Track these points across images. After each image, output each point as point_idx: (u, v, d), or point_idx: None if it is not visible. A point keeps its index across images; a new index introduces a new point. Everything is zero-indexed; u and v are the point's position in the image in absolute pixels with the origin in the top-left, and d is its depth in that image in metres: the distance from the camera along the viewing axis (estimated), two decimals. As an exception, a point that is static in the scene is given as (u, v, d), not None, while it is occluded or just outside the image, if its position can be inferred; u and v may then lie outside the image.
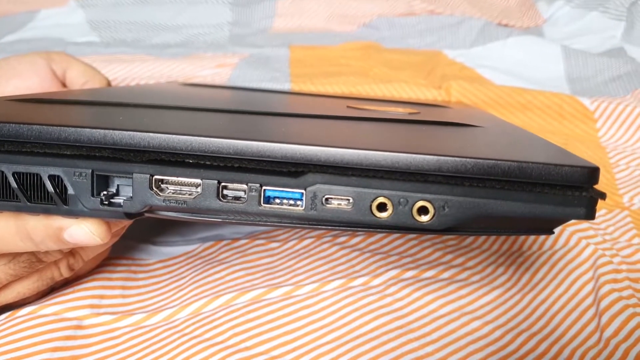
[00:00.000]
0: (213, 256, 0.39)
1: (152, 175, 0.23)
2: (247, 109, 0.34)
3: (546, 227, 0.24)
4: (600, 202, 0.23)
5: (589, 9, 0.96)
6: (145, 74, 0.71)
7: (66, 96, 0.33)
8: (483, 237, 0.43)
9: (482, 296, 0.37)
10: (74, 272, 0.34)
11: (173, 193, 0.23)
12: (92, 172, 0.23)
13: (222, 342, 0.31)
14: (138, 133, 0.22)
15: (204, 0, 0.95)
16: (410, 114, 0.39)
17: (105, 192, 0.23)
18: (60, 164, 0.23)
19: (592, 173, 0.22)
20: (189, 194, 0.23)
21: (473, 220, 0.22)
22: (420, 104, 0.50)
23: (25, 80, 0.43)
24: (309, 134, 0.27)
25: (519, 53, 0.84)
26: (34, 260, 0.29)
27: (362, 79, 0.71)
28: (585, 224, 0.44)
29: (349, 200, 0.22)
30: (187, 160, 0.22)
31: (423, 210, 0.22)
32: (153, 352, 0.31)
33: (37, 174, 0.23)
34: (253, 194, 0.22)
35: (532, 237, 0.42)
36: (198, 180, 0.23)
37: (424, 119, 0.36)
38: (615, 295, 0.36)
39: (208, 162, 0.22)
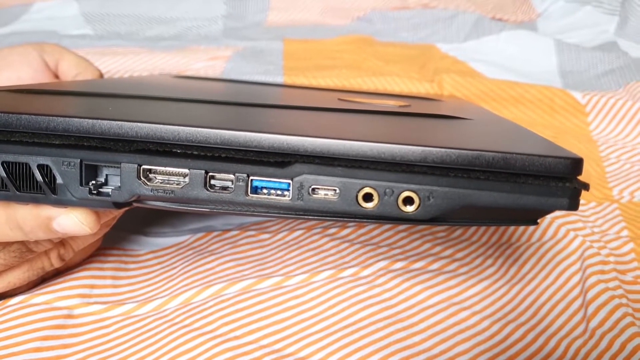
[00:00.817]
0: (204, 247, 0.40)
1: (140, 165, 0.23)
2: (237, 100, 0.34)
3: (530, 217, 0.24)
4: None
5: (582, 3, 0.96)
6: (138, 67, 0.71)
7: (57, 87, 0.33)
8: (472, 229, 0.43)
9: (470, 287, 0.37)
10: (65, 262, 0.34)
11: (161, 183, 0.23)
12: (81, 161, 0.23)
13: (211, 331, 0.32)
14: (126, 123, 0.22)
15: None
16: (400, 106, 0.39)
17: (93, 182, 0.23)
18: (49, 153, 0.23)
19: (576, 164, 0.22)
20: (177, 184, 0.23)
21: (458, 210, 0.23)
22: (411, 97, 0.51)
23: (17, 71, 0.43)
24: (296, 124, 0.27)
25: (512, 47, 0.84)
26: (24, 250, 0.29)
27: (355, 72, 0.72)
28: (574, 216, 0.44)
29: (335, 190, 0.23)
30: (174, 150, 0.22)
31: (408, 201, 0.22)
32: (143, 341, 0.31)
33: (26, 164, 0.23)
34: (240, 184, 0.23)
35: (520, 229, 0.43)
36: (185, 170, 0.23)
37: (413, 112, 0.37)
38: (602, 286, 0.36)
39: (195, 152, 0.22)
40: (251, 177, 0.23)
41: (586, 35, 0.89)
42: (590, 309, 0.35)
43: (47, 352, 0.30)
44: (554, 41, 0.83)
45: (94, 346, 0.31)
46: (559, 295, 0.37)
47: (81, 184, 0.23)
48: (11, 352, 0.30)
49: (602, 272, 0.38)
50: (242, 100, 0.34)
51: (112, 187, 0.23)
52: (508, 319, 0.34)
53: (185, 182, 0.23)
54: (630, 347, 0.32)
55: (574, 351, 0.32)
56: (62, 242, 0.33)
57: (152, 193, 0.23)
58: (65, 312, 0.33)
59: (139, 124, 0.22)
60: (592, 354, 0.32)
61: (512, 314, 0.35)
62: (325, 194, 0.23)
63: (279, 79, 0.69)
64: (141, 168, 0.23)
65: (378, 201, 0.22)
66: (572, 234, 0.41)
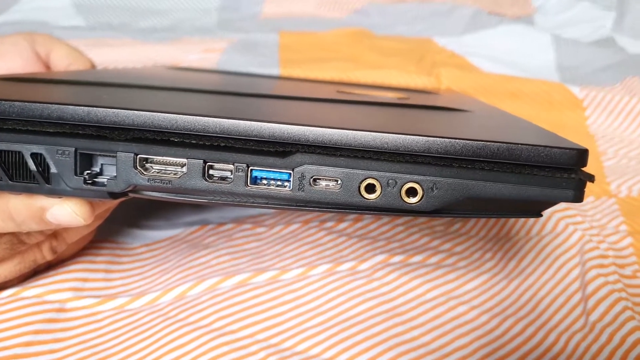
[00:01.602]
0: (198, 240, 0.39)
1: (136, 154, 0.22)
2: (236, 90, 0.33)
3: (535, 209, 0.24)
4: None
5: (579, -2, 0.96)
6: (131, 58, 0.70)
7: (50, 76, 0.32)
8: (471, 223, 0.43)
9: (469, 281, 0.37)
10: (57, 255, 0.33)
11: (158, 172, 0.22)
12: (76, 150, 0.22)
13: (206, 325, 0.31)
14: (122, 111, 0.22)
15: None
16: (399, 98, 0.39)
17: (89, 171, 0.23)
18: (43, 142, 0.22)
19: (581, 155, 0.22)
20: (174, 174, 0.22)
21: (462, 202, 0.22)
22: (409, 90, 0.50)
23: (8, 61, 0.42)
24: (297, 114, 0.27)
25: (509, 41, 0.84)
26: (16, 241, 0.29)
27: (351, 65, 0.71)
28: (573, 211, 0.44)
29: (337, 181, 0.22)
30: (172, 139, 0.22)
31: (411, 192, 0.22)
32: (136, 335, 0.31)
33: (19, 152, 0.22)
34: (240, 174, 0.22)
35: (519, 222, 0.42)
36: (183, 160, 0.22)
37: (413, 103, 0.36)
38: (601, 280, 0.36)
39: (194, 141, 0.22)
40: (251, 167, 0.22)
41: (583, 30, 0.89)
42: (590, 303, 0.34)
43: (38, 346, 0.29)
44: (551, 36, 0.83)
45: (86, 340, 0.30)
46: (558, 289, 0.36)
47: (76, 174, 0.23)
48: (1, 346, 0.29)
49: (602, 265, 0.37)
50: (240, 91, 0.34)
51: (108, 177, 0.23)
52: (507, 313, 0.34)
53: (182, 172, 0.22)
54: (630, 340, 0.32)
55: (574, 345, 0.32)
56: (55, 234, 0.32)
57: (148, 183, 0.22)
58: (57, 305, 0.32)
59: (136, 111, 0.22)
60: (592, 347, 0.32)
61: (511, 308, 0.35)
62: (327, 185, 0.22)
63: (275, 72, 0.68)
64: (138, 157, 0.22)
65: (381, 192, 0.22)
66: (571, 227, 0.41)
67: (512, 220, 0.43)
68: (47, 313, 0.31)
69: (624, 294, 0.35)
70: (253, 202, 0.23)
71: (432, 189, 0.22)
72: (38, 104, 0.22)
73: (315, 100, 0.33)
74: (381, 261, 0.37)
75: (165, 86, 0.32)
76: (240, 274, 0.35)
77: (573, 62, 0.78)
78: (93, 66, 0.47)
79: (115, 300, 0.33)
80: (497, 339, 0.32)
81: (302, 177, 0.22)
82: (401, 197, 0.22)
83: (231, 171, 0.22)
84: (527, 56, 0.80)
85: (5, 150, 0.22)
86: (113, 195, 0.23)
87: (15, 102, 0.22)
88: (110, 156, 0.23)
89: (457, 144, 0.21)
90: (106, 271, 0.36)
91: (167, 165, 0.22)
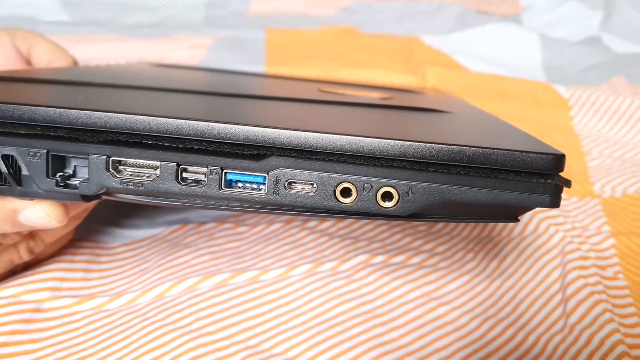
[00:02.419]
0: (179, 240, 0.39)
1: (109, 157, 0.22)
2: (215, 90, 0.33)
3: (511, 214, 0.24)
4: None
5: (567, -3, 0.96)
6: (117, 54, 0.69)
7: (26, 74, 0.32)
8: (453, 223, 0.43)
9: (450, 282, 0.37)
10: (35, 255, 0.33)
11: (131, 175, 0.22)
12: (48, 152, 0.22)
13: (184, 326, 0.31)
14: (95, 112, 0.21)
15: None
16: (382, 99, 0.39)
17: (61, 173, 0.22)
18: (14, 143, 0.22)
19: (558, 160, 0.22)
20: (147, 177, 0.22)
21: (437, 206, 0.22)
22: (394, 90, 0.50)
23: (-13, 58, 0.42)
24: (273, 116, 0.27)
25: (496, 40, 0.84)
26: (-9, 242, 0.29)
27: (338, 64, 0.71)
28: (555, 211, 0.44)
29: (312, 185, 0.22)
30: (145, 141, 0.22)
31: (387, 196, 0.22)
32: (114, 335, 0.30)
33: None
34: (213, 177, 0.22)
35: (501, 223, 0.42)
36: (156, 163, 0.22)
37: (394, 104, 0.36)
38: (581, 282, 0.36)
39: (167, 144, 0.21)
40: (225, 170, 0.22)
41: (571, 29, 0.89)
42: (570, 305, 0.35)
43: (13, 347, 0.29)
44: (539, 35, 0.83)
45: (63, 341, 0.30)
46: (539, 291, 0.36)
47: (47, 176, 0.22)
48: (-25, 347, 0.29)
49: (583, 267, 0.38)
50: (219, 90, 0.33)
51: (80, 179, 0.23)
52: (487, 315, 0.34)
53: (156, 174, 0.22)
54: (608, 343, 0.32)
55: (553, 347, 0.32)
56: (32, 234, 0.32)
57: (121, 186, 0.22)
58: (33, 305, 0.32)
59: (108, 113, 0.21)
60: (570, 350, 0.32)
61: (492, 310, 0.35)
62: (302, 189, 0.22)
63: (261, 69, 0.68)
64: (110, 160, 0.22)
65: (356, 196, 0.22)
66: (552, 229, 0.41)
67: (493, 223, 0.43)
68: (23, 313, 0.31)
69: (604, 296, 0.35)
70: (227, 206, 0.23)
71: (407, 193, 0.22)
72: (9, 105, 0.21)
73: (295, 100, 0.33)
74: (362, 261, 0.37)
75: (143, 86, 0.32)
76: (220, 274, 0.35)
77: (559, 62, 0.79)
78: (75, 63, 0.46)
79: (93, 300, 0.33)
80: (477, 341, 0.32)
81: (277, 180, 0.22)
82: (377, 202, 0.22)
83: (205, 174, 0.22)
84: (514, 55, 0.80)
85: None
86: (85, 197, 0.23)
87: None
88: (82, 158, 0.22)
89: (433, 148, 0.21)
90: (85, 270, 0.35)
91: (140, 167, 0.22)
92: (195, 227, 0.40)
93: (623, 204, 0.48)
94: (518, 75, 0.72)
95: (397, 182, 0.22)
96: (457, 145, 0.21)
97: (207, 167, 0.22)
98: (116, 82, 0.32)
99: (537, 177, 0.22)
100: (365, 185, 0.22)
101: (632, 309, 0.35)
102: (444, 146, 0.21)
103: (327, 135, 0.21)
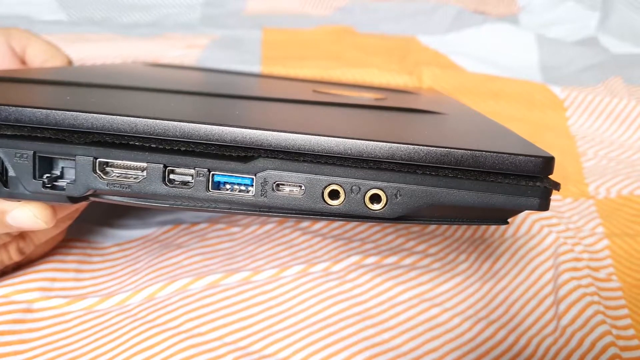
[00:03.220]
0: (171, 240, 0.39)
1: (95, 158, 0.22)
2: (206, 91, 0.33)
3: (500, 217, 0.24)
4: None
5: (564, -3, 0.96)
6: (113, 54, 0.69)
7: (17, 74, 0.32)
8: (444, 225, 0.43)
9: (442, 283, 0.37)
10: (26, 255, 0.33)
11: (118, 177, 0.22)
12: (34, 153, 0.22)
13: (174, 327, 0.31)
14: (81, 114, 0.21)
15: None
16: (376, 99, 0.39)
17: (48, 175, 0.22)
18: (1, 144, 0.22)
19: (547, 163, 0.22)
20: (134, 178, 0.22)
21: (426, 209, 0.22)
22: (389, 90, 0.50)
23: (-19, 57, 0.41)
24: (262, 117, 0.26)
25: (493, 40, 0.84)
26: (-20, 243, 0.28)
27: (334, 63, 0.71)
28: (549, 212, 0.44)
29: (300, 187, 0.22)
30: (132, 142, 0.21)
31: (375, 198, 0.22)
32: (104, 336, 0.30)
33: None
34: (201, 179, 0.22)
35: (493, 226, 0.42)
36: (143, 164, 0.22)
37: (387, 105, 0.36)
38: (574, 283, 0.36)
39: (154, 145, 0.21)
40: (212, 172, 0.22)
41: (567, 30, 0.89)
42: (562, 307, 0.34)
43: (3, 347, 0.29)
44: (535, 35, 0.83)
45: (53, 342, 0.30)
46: (531, 292, 0.36)
47: (34, 177, 0.22)
48: (-35, 348, 0.29)
49: (575, 269, 0.37)
50: (211, 91, 0.33)
51: (67, 181, 0.22)
52: (479, 316, 0.34)
53: (143, 176, 0.22)
54: (600, 345, 0.32)
55: (544, 349, 0.32)
56: (22, 235, 0.32)
57: (108, 187, 0.22)
58: (24, 306, 0.32)
59: (95, 114, 0.21)
60: (562, 352, 0.32)
61: (484, 311, 0.35)
62: (290, 191, 0.22)
63: (257, 69, 0.68)
64: (97, 161, 0.22)
65: (344, 198, 0.22)
66: (546, 230, 0.41)
67: (483, 226, 0.43)
68: (13, 314, 0.31)
69: (596, 298, 0.35)
70: (215, 207, 0.23)
71: (395, 195, 0.22)
72: None
73: (287, 101, 0.32)
74: (355, 262, 0.37)
75: (134, 86, 0.31)
76: (211, 274, 0.35)
77: (556, 62, 0.78)
78: (70, 63, 0.46)
79: (84, 301, 0.33)
80: (469, 342, 0.32)
81: (265, 182, 0.22)
82: (365, 204, 0.22)
83: (192, 176, 0.22)
84: (510, 55, 0.80)
85: None
86: (72, 199, 0.23)
87: None
88: (69, 159, 0.22)
89: (421, 150, 0.21)
90: (76, 271, 0.35)
91: (127, 169, 0.22)
92: (188, 228, 0.40)
93: (617, 205, 0.48)
94: (515, 75, 0.71)
95: (385, 184, 0.22)
96: (446, 147, 0.21)
97: (194, 168, 0.22)
98: (107, 83, 0.32)
99: (526, 179, 0.22)
100: (354, 187, 0.22)
101: (625, 311, 0.35)
102: (432, 148, 0.21)
103: (315, 137, 0.21)
